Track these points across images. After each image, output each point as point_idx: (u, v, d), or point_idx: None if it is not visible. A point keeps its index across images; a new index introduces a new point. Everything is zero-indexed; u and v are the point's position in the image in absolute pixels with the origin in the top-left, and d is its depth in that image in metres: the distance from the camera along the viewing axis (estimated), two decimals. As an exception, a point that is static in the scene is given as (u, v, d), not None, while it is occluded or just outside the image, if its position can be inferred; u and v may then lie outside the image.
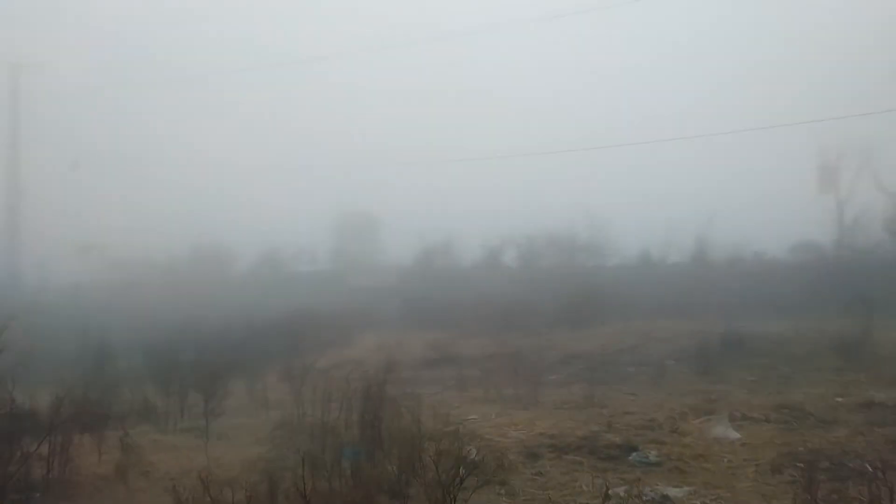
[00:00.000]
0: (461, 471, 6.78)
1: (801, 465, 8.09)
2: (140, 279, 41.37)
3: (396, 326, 25.21)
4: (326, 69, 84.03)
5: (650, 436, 9.75)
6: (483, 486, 7.24)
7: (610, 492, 7.41)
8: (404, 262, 44.91)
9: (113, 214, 51.05)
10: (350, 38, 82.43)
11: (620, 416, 10.89)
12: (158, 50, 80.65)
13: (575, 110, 71.31)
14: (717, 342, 16.59)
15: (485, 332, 21.60)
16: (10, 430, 8.34)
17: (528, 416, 11.35)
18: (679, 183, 47.37)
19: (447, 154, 66.81)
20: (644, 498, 7.49)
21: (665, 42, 70.02)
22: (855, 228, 35.80)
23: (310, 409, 11.82)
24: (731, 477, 8.14)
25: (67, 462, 8.46)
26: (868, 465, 7.90)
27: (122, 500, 7.77)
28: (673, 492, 7.65)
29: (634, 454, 8.99)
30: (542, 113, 71.06)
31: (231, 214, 51.35)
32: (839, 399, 11.77)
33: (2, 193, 42.19)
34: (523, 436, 10.01)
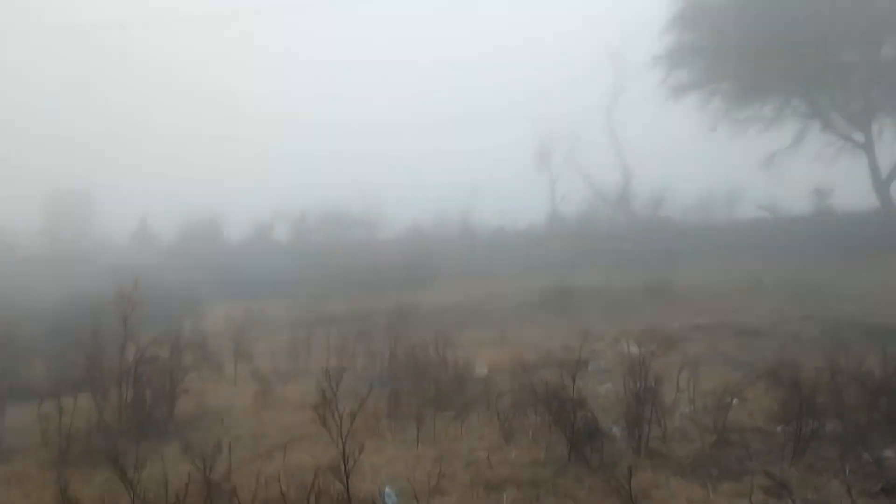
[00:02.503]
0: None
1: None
2: None
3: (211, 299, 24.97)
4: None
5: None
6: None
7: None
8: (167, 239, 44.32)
9: None
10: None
11: (543, 346, 13.21)
12: None
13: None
14: (551, 293, 19.79)
15: (314, 297, 22.62)
16: None
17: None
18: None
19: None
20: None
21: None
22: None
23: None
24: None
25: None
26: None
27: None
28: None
29: (591, 365, 11.37)
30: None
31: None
32: (676, 324, 15.40)
33: None
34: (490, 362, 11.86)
